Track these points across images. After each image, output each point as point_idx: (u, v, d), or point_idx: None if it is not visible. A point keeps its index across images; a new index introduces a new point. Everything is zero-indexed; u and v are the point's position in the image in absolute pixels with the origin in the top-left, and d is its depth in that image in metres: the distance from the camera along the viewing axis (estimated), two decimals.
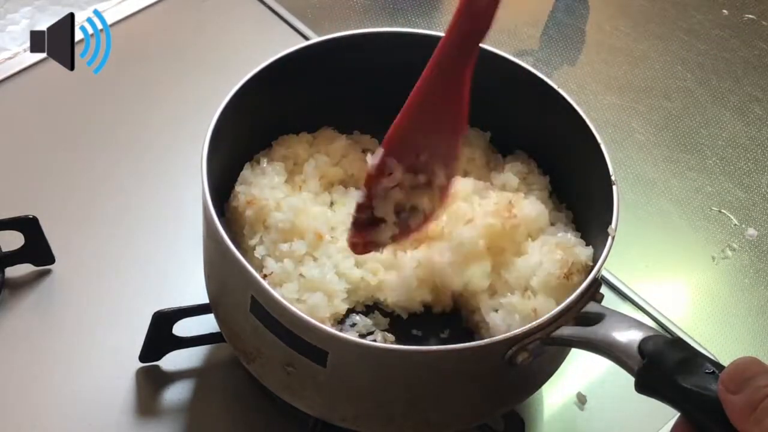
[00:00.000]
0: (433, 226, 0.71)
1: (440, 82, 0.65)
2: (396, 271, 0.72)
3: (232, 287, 0.65)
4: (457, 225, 0.71)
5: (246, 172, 0.73)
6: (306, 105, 0.79)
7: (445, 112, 0.67)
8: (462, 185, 0.74)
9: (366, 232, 0.69)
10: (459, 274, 0.70)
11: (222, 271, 0.67)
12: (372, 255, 0.71)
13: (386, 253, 0.72)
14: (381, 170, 0.68)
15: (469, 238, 0.69)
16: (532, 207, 0.72)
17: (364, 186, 0.68)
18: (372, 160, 0.68)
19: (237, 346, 0.69)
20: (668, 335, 0.57)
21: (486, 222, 0.70)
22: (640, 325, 0.58)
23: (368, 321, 0.72)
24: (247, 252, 0.71)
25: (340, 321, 0.71)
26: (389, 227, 0.69)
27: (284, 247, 0.70)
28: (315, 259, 0.70)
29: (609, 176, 0.67)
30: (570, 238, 0.71)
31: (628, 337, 0.57)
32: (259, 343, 0.65)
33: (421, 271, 0.71)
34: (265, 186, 0.72)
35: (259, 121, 0.74)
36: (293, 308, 0.59)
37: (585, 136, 0.70)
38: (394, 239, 0.70)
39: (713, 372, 0.52)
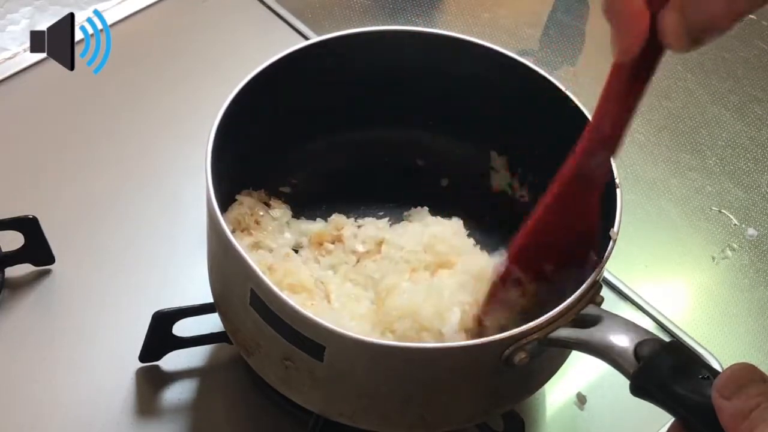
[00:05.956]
0: None
1: (570, 199, 0.62)
2: None
3: (232, 280, 0.66)
4: None
5: None
6: (306, 104, 0.79)
7: (576, 226, 0.65)
8: None
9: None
10: None
11: (223, 264, 0.67)
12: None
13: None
14: (505, 279, 0.67)
15: None
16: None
17: (489, 294, 0.68)
18: (497, 268, 0.67)
19: (237, 340, 0.69)
20: (664, 339, 0.57)
21: None
22: (636, 328, 0.58)
23: None
24: None
25: None
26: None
27: None
28: None
29: (613, 179, 0.67)
30: None
31: (625, 340, 0.57)
32: (258, 336, 0.65)
33: None
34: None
35: (259, 120, 0.74)
36: (292, 302, 0.59)
37: None
38: None
39: (708, 377, 0.52)
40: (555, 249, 0.66)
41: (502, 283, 0.67)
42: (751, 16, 1.13)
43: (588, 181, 0.62)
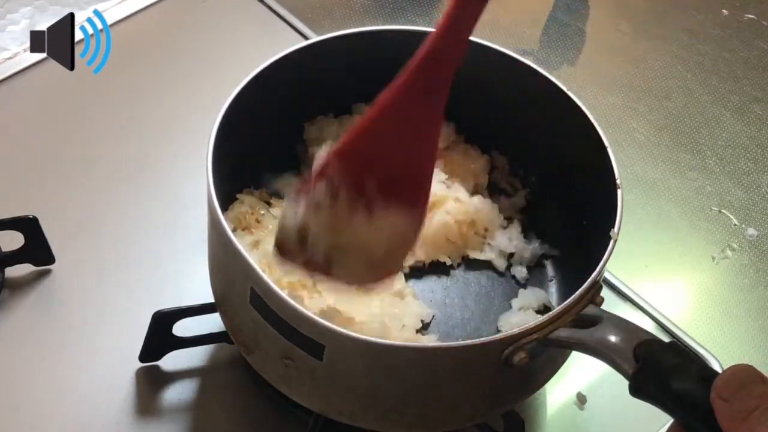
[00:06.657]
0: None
1: (406, 106, 0.59)
2: None
3: (233, 279, 0.66)
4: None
5: None
6: (306, 105, 0.79)
7: (408, 144, 0.60)
8: None
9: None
10: None
11: (224, 262, 0.67)
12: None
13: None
14: (321, 174, 0.61)
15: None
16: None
17: (299, 190, 0.62)
18: (317, 160, 0.62)
19: (237, 338, 0.69)
20: (664, 340, 0.57)
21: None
22: (636, 329, 0.58)
23: None
24: None
25: None
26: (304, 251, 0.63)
27: None
28: None
29: (614, 179, 0.67)
30: None
31: (624, 340, 0.57)
32: (258, 335, 0.65)
33: None
34: None
35: (259, 120, 0.74)
36: (291, 301, 0.59)
37: (591, 138, 0.70)
38: (307, 266, 0.64)
39: (707, 378, 0.52)
40: (380, 163, 0.60)
41: (316, 176, 0.61)
42: (750, 16, 1.13)
43: (426, 93, 0.59)
